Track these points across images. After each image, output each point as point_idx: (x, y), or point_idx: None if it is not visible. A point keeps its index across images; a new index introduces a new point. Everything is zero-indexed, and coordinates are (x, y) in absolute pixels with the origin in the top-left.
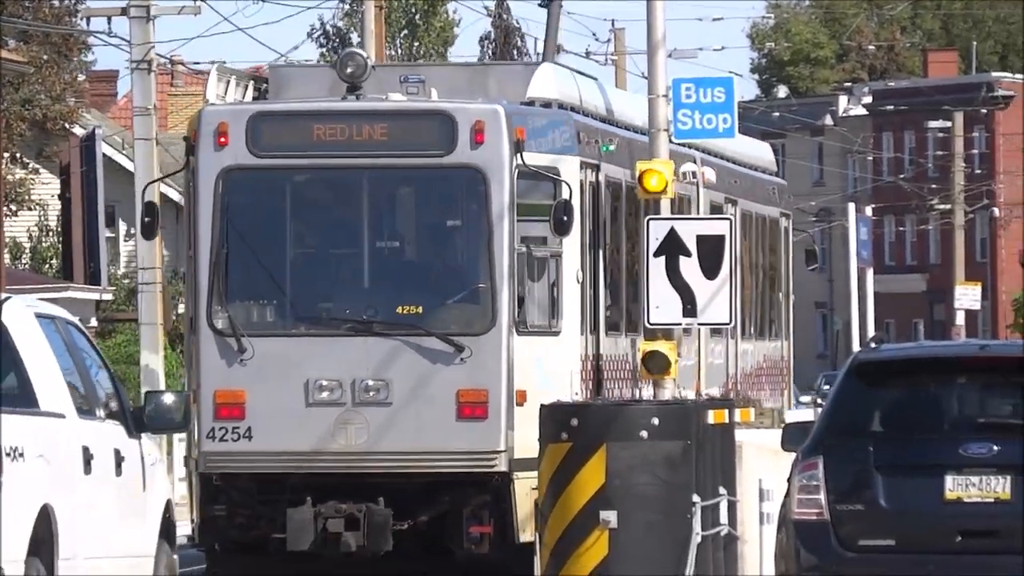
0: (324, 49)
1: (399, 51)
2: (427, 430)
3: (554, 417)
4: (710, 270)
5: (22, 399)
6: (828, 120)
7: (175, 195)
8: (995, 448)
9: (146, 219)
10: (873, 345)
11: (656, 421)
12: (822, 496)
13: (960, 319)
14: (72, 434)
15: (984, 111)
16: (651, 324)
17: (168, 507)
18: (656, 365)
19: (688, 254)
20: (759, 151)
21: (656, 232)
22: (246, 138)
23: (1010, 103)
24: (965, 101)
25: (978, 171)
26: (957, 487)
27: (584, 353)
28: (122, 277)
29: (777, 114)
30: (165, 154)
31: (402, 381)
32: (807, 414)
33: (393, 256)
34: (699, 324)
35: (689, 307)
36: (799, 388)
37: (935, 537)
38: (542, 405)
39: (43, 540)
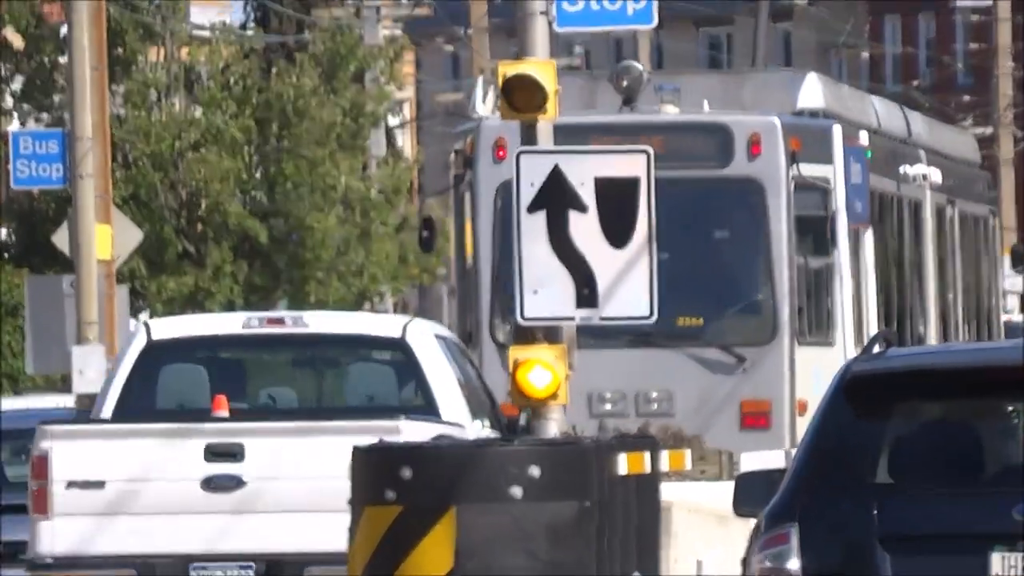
0: None
1: None
2: (711, 441)
3: (375, 466)
4: (618, 233)
5: (427, 410)
6: None
7: None
8: None
9: (424, 233)
10: (876, 348)
11: (536, 471)
12: None
13: (1011, 303)
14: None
15: None
16: (525, 319)
17: None
18: (534, 383)
19: (583, 209)
20: (967, 140)
21: (530, 173)
22: None
23: None
24: None
25: None
26: (1009, 569)
27: None
28: None
29: None
30: None
31: (684, 392)
32: (775, 458)
33: (671, 268)
34: (601, 319)
35: (586, 292)
36: None
37: None
38: (355, 447)
39: None
